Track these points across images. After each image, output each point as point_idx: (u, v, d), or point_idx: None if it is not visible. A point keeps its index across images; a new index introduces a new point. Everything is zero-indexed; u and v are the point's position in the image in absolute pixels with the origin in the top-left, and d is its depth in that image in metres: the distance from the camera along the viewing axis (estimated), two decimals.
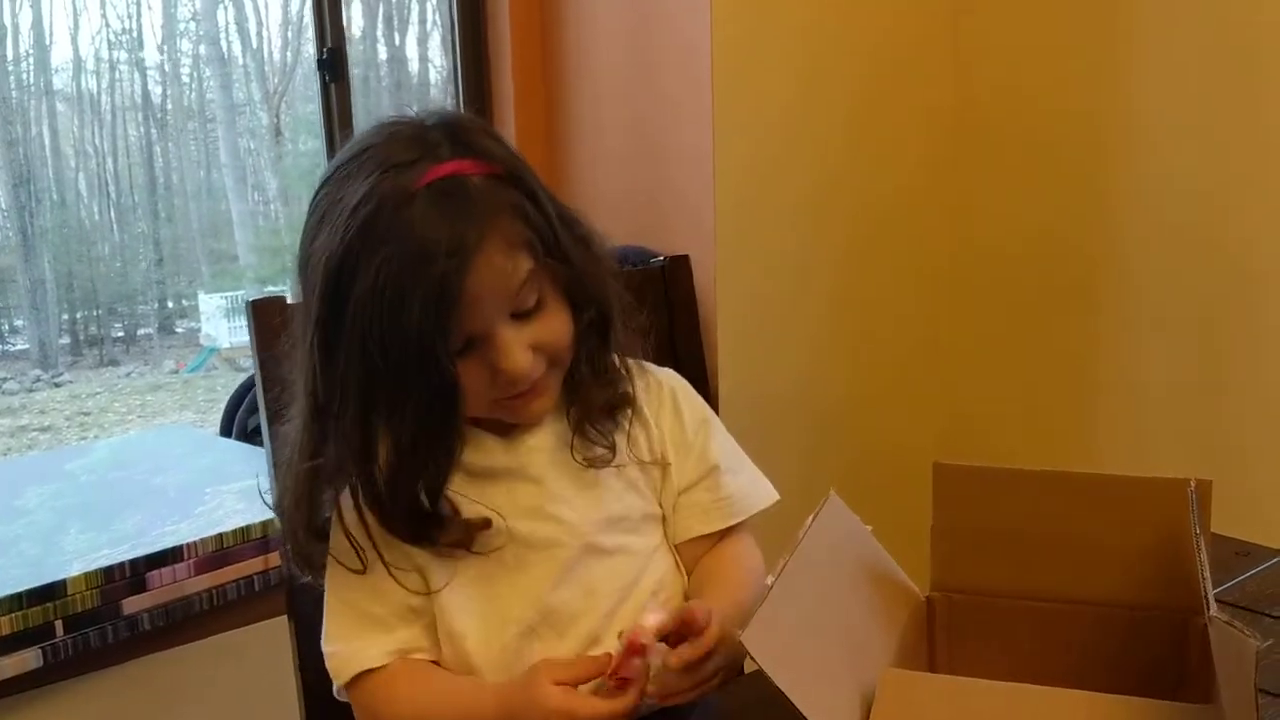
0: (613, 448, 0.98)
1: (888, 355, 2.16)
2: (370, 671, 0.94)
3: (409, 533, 0.92)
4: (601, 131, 2.01)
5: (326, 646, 0.96)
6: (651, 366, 1.07)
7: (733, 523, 1.03)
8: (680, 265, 1.31)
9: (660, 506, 1.03)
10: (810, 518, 0.81)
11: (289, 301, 1.11)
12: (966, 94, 2.16)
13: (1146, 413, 2.03)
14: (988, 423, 2.22)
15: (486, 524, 0.94)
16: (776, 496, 1.08)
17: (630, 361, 1.02)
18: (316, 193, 0.91)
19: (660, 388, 1.05)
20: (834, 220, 2.05)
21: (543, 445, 0.97)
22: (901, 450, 2.13)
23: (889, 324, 2.16)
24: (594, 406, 0.97)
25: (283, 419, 0.97)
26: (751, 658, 0.66)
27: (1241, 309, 1.89)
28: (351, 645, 0.94)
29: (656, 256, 1.38)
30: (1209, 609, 0.65)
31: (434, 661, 0.96)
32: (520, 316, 0.89)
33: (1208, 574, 0.71)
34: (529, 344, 0.90)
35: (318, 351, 0.89)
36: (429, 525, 0.92)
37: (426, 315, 0.83)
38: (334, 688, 0.96)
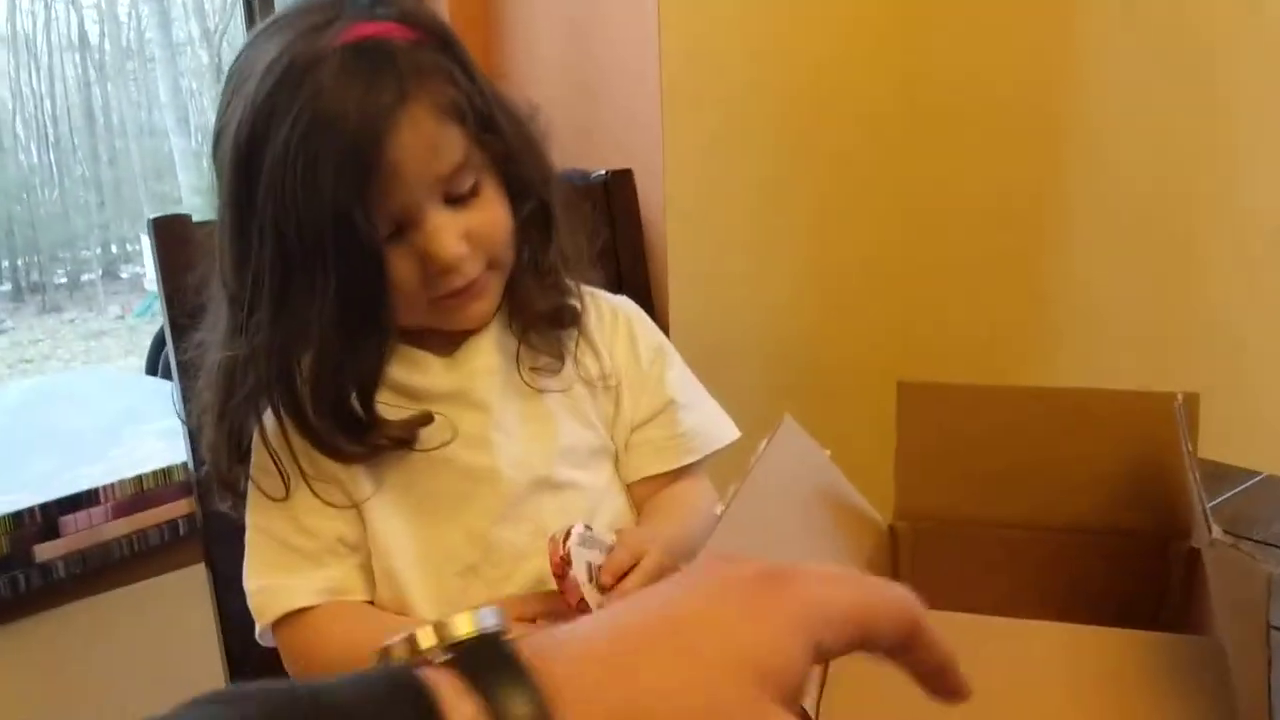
0: (561, 359, 0.91)
1: (847, 276, 2.09)
2: (299, 612, 0.85)
3: (339, 440, 0.83)
4: (538, 41, 1.91)
5: (249, 583, 0.87)
6: (604, 294, 0.99)
7: (688, 461, 0.96)
8: (623, 180, 1.23)
9: (612, 441, 0.95)
10: (763, 443, 0.73)
11: (194, 220, 1.02)
12: (921, 38, 2.09)
13: (1106, 331, 1.99)
14: (948, 344, 2.17)
15: (427, 418, 0.85)
16: (737, 434, 1.01)
17: (582, 288, 0.94)
18: (230, 69, 0.82)
19: (614, 316, 0.97)
20: (791, 135, 1.97)
21: (489, 368, 0.89)
22: (861, 374, 2.06)
23: (847, 243, 2.09)
24: (537, 312, 0.89)
25: (192, 335, 0.89)
26: None
27: (1205, 227, 1.86)
28: (278, 581, 0.85)
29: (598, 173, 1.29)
30: (1211, 532, 0.58)
31: (369, 603, 0.88)
32: (454, 202, 0.81)
33: (1203, 494, 0.64)
34: (462, 231, 0.81)
35: (230, 236, 0.81)
36: (361, 430, 0.83)
37: (342, 182, 0.75)
38: (256, 629, 0.87)
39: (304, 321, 0.79)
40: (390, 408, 0.84)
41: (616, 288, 1.28)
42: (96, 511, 1.34)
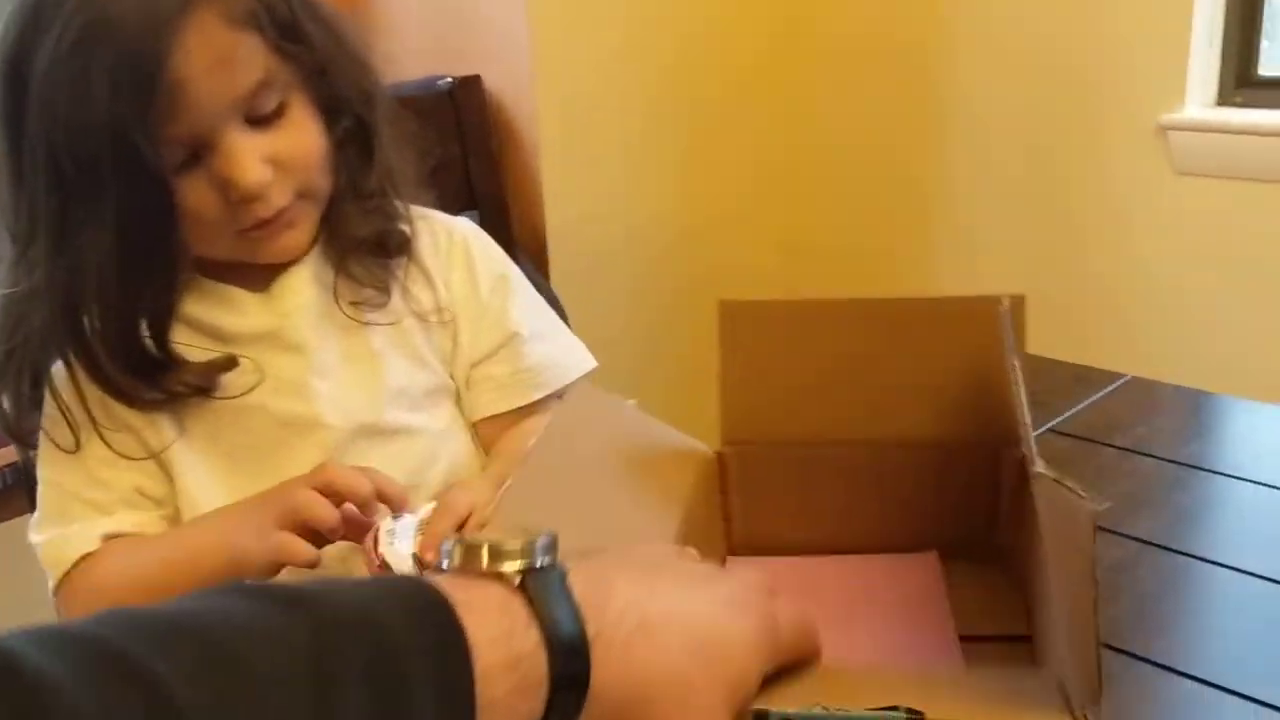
0: (386, 291, 0.84)
1: (723, 184, 2.04)
2: (82, 560, 0.78)
3: (132, 385, 0.76)
4: None
5: (34, 536, 0.81)
6: (440, 216, 0.92)
7: (535, 398, 0.90)
8: (470, 87, 1.15)
9: (452, 379, 0.89)
10: (549, 418, 0.69)
11: None
12: None
13: (982, 238, 1.99)
14: (828, 255, 2.14)
15: (231, 363, 0.79)
16: (593, 364, 0.95)
17: (414, 211, 0.87)
18: None
19: (450, 240, 0.91)
20: (671, 48, 1.89)
21: (305, 304, 0.82)
22: (741, 286, 2.03)
23: (726, 156, 2.03)
24: (357, 239, 0.82)
25: None
26: None
27: (1081, 126, 1.84)
28: (62, 531, 0.79)
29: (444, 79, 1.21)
30: (1033, 463, 0.55)
31: None
32: (257, 123, 0.75)
33: (1025, 410, 0.61)
34: (265, 155, 0.75)
35: (4, 157, 0.73)
36: (155, 374, 0.76)
37: (119, 100, 0.68)
38: (50, 586, 0.80)
39: (85, 256, 0.72)
40: (195, 349, 0.78)
41: (469, 199, 1.21)
42: None
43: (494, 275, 0.92)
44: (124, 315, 0.75)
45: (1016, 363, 0.67)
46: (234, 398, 0.79)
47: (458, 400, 0.90)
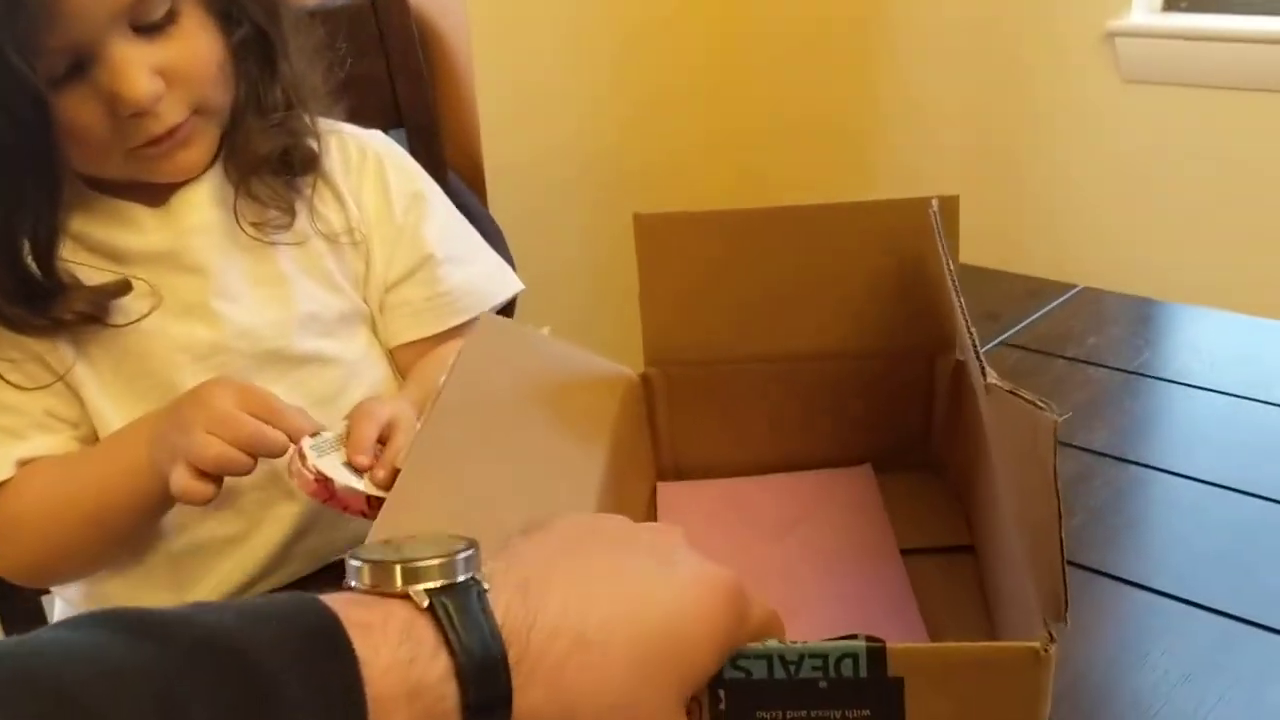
0: (290, 211, 0.79)
1: (669, 107, 1.99)
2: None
3: (17, 312, 0.71)
4: None
5: None
6: (353, 130, 0.87)
7: (453, 324, 0.86)
8: (391, 2, 1.08)
9: (366, 303, 0.85)
10: (462, 346, 0.65)
11: None
12: None
13: (929, 146, 1.96)
14: (776, 178, 2.10)
15: (124, 287, 0.74)
16: (518, 287, 0.91)
17: (322, 125, 0.82)
18: None
19: (363, 157, 0.85)
20: None
21: (206, 224, 0.77)
22: (671, 189, 1.99)
23: (669, 70, 1.98)
24: (260, 156, 0.77)
25: None
26: None
27: (1030, 34, 1.81)
28: None
29: None
30: (984, 375, 0.52)
31: None
32: (145, 31, 0.69)
33: (965, 315, 0.58)
34: (155, 66, 0.69)
35: None
36: (43, 298, 0.71)
37: None
38: None
39: None
40: (87, 269, 0.73)
41: (395, 120, 1.15)
42: None
43: (408, 193, 0.86)
44: (4, 240, 0.70)
45: (951, 264, 0.64)
46: (128, 324, 0.74)
47: (373, 326, 0.85)
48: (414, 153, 1.11)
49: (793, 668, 0.48)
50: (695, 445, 0.79)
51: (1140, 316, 1.09)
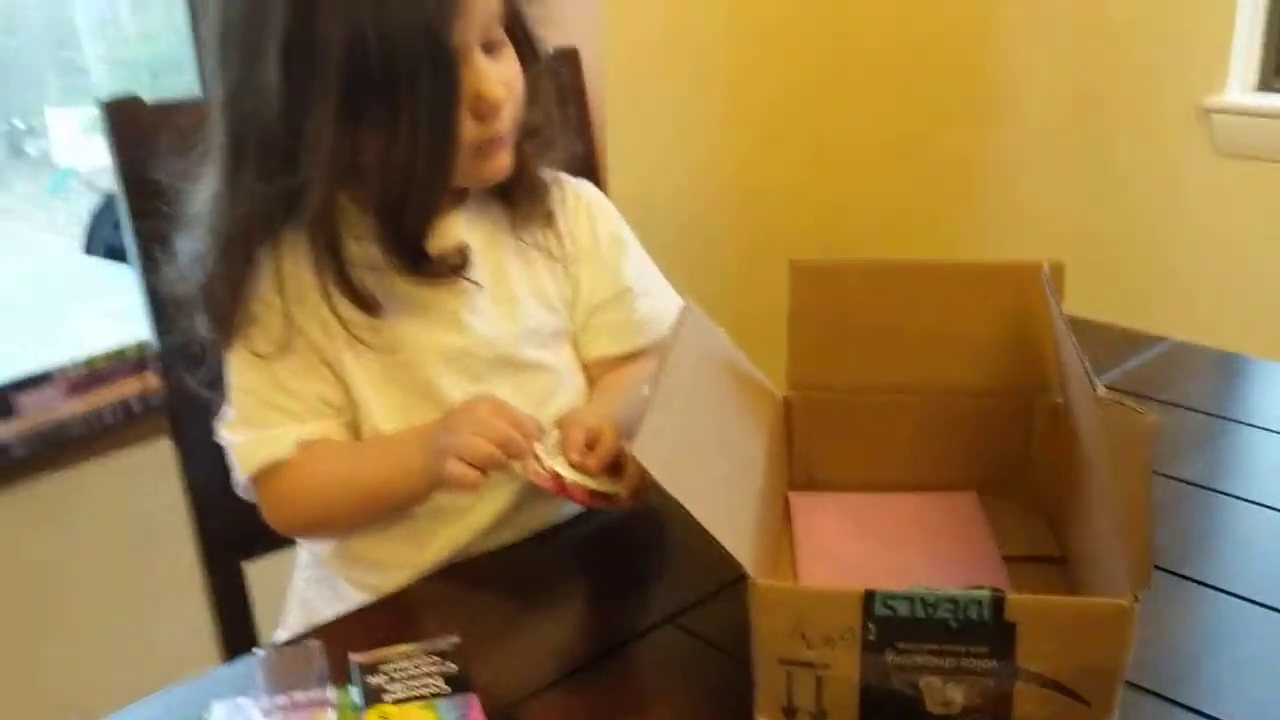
0: (549, 217, 0.96)
1: (781, 158, 2.13)
2: (278, 464, 0.88)
3: (402, 261, 0.85)
4: None
5: (230, 437, 0.90)
6: (565, 177, 1.01)
7: (642, 344, 1.00)
8: (569, 59, 1.24)
9: (571, 323, 1.00)
10: (673, 328, 0.79)
11: (148, 104, 1.02)
12: None
13: (1030, 214, 2.07)
14: (878, 224, 2.23)
15: (464, 249, 0.89)
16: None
17: (545, 171, 0.97)
18: None
19: (577, 199, 1.01)
20: (725, 18, 1.98)
21: (477, 241, 0.92)
22: (793, 253, 2.12)
23: (783, 126, 2.12)
24: (536, 180, 0.94)
25: (156, 223, 0.90)
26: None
27: (1127, 108, 1.92)
28: (259, 434, 0.89)
29: None
30: (1096, 389, 0.65)
31: None
32: (488, 50, 0.84)
33: (1082, 354, 0.71)
34: (500, 78, 0.84)
35: (283, 63, 0.79)
36: (419, 258, 0.86)
37: (432, 5, 0.77)
38: (238, 481, 0.91)
39: (377, 150, 0.80)
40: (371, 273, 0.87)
41: (562, 163, 1.31)
42: (51, 391, 1.36)
43: (611, 235, 1.02)
44: (400, 201, 0.82)
45: (1061, 315, 0.78)
46: (458, 294, 0.90)
47: (575, 343, 1.00)
48: None
49: (930, 609, 0.62)
50: (825, 460, 0.93)
51: (1227, 369, 1.20)
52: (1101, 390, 0.64)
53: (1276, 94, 1.88)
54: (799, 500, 0.91)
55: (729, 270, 2.03)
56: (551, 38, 1.53)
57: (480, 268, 0.92)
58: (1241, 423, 1.06)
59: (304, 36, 0.78)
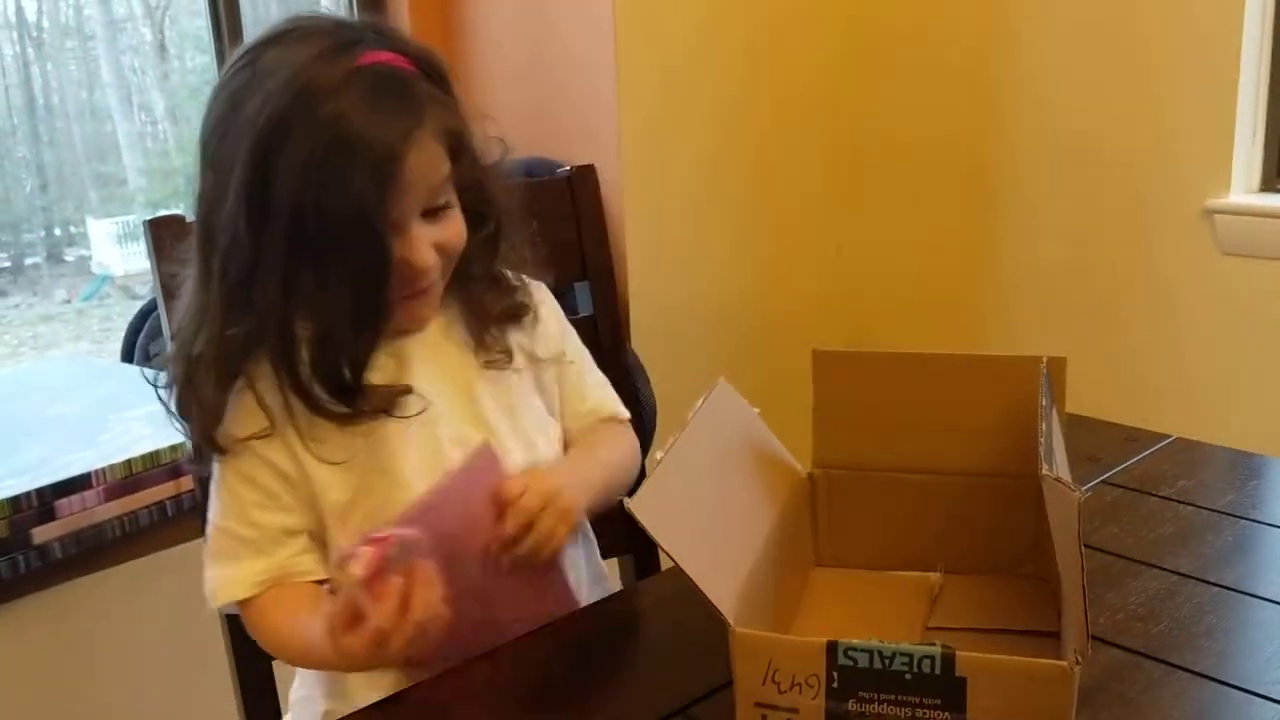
0: (509, 352, 1.02)
1: (795, 259, 2.19)
2: (242, 602, 0.95)
3: (331, 402, 0.93)
4: (501, 39, 1.98)
5: (205, 572, 0.97)
6: (526, 279, 1.09)
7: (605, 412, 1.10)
8: (587, 175, 1.31)
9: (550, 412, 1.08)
10: (700, 401, 0.84)
11: (188, 220, 1.08)
12: (860, 8, 2.19)
13: (1038, 309, 2.11)
14: (893, 318, 2.28)
15: (407, 389, 0.96)
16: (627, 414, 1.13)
17: (512, 274, 1.05)
18: (229, 70, 0.91)
19: (534, 309, 1.08)
20: (737, 130, 2.06)
21: (443, 363, 1.00)
22: (812, 343, 2.17)
23: (795, 228, 2.19)
24: (491, 316, 1.01)
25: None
26: (642, 526, 0.69)
27: (1132, 209, 1.97)
28: (225, 572, 0.95)
29: (560, 167, 1.37)
30: (1041, 468, 0.70)
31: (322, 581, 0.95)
32: (429, 215, 0.93)
33: (1053, 439, 0.77)
34: (435, 242, 0.93)
35: (242, 221, 0.89)
36: (351, 395, 0.93)
37: (369, 188, 0.86)
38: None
39: (313, 303, 0.90)
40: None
41: (581, 273, 1.37)
42: (90, 495, 1.41)
43: (559, 323, 1.10)
44: (335, 350, 0.91)
45: (1050, 405, 0.83)
46: (407, 416, 0.95)
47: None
48: (595, 299, 1.33)
49: (887, 661, 0.67)
50: (847, 532, 0.99)
51: (1228, 464, 1.23)
52: (1044, 469, 0.70)
53: (1277, 194, 1.93)
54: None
55: (749, 362, 2.08)
56: (572, 155, 1.61)
57: (440, 393, 0.98)
58: (1240, 516, 1.08)
59: (262, 190, 0.87)
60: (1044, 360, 0.90)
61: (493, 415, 1.00)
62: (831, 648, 0.68)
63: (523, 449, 1.01)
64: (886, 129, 2.22)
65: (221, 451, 0.95)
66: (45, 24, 6.17)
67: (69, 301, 5.85)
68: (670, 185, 1.96)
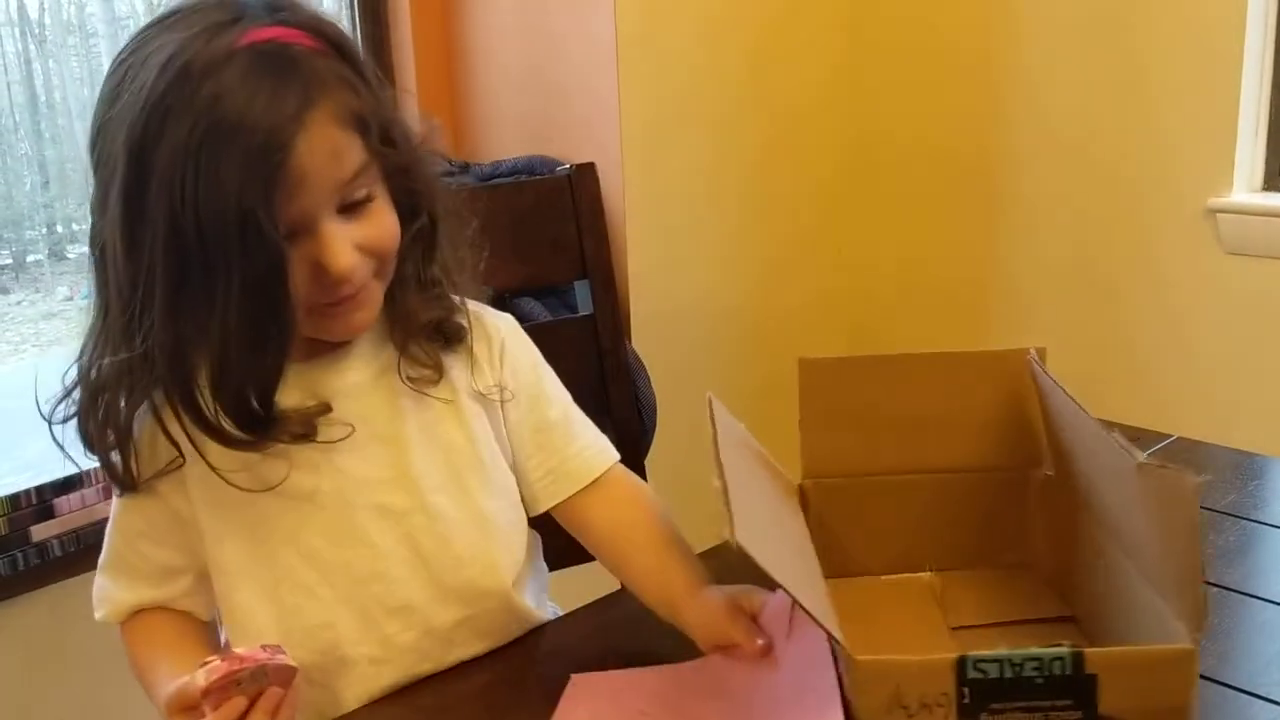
0: (440, 370, 0.92)
1: (796, 258, 2.19)
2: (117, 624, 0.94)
3: (240, 436, 0.82)
4: (503, 39, 1.98)
5: (97, 574, 0.95)
6: (488, 311, 0.99)
7: (598, 474, 0.98)
8: (587, 174, 1.31)
9: (502, 454, 0.96)
10: (712, 426, 0.84)
11: None
12: (862, 9, 2.18)
13: (1041, 309, 2.11)
14: (894, 318, 2.27)
15: (325, 408, 0.86)
16: (617, 456, 1.02)
17: (467, 304, 0.95)
18: (115, 60, 0.80)
19: (490, 339, 0.97)
20: (739, 130, 2.05)
21: (362, 381, 0.91)
22: (813, 352, 2.16)
23: (796, 227, 2.18)
24: (419, 323, 0.90)
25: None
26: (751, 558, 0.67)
27: (1135, 209, 1.96)
28: (110, 585, 0.94)
29: (561, 165, 1.37)
30: (1135, 457, 0.70)
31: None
32: (348, 211, 0.82)
33: (1107, 427, 0.77)
34: (356, 242, 0.82)
35: (120, 229, 0.79)
36: (263, 426, 0.83)
37: (248, 185, 0.75)
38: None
39: (203, 322, 0.78)
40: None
41: (581, 270, 1.36)
42: (88, 492, 1.41)
43: (529, 365, 0.99)
44: (236, 375, 0.80)
45: (1064, 391, 0.83)
46: (332, 442, 0.87)
47: (521, 484, 0.97)
48: (595, 297, 1.33)
49: (1017, 669, 0.67)
50: (841, 538, 0.98)
51: (1230, 464, 1.22)
52: (1141, 457, 0.69)
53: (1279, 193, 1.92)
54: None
55: (749, 362, 2.08)
56: (573, 154, 1.61)
57: (364, 407, 0.89)
58: (1241, 517, 1.08)
59: (139, 192, 0.77)
60: (1032, 350, 0.91)
61: (423, 471, 0.91)
62: (961, 663, 0.67)
63: (467, 516, 0.92)
64: (888, 129, 2.22)
65: (125, 489, 0.89)
66: (47, 21, 6.16)
67: (71, 299, 5.85)
68: (671, 184, 1.96)
